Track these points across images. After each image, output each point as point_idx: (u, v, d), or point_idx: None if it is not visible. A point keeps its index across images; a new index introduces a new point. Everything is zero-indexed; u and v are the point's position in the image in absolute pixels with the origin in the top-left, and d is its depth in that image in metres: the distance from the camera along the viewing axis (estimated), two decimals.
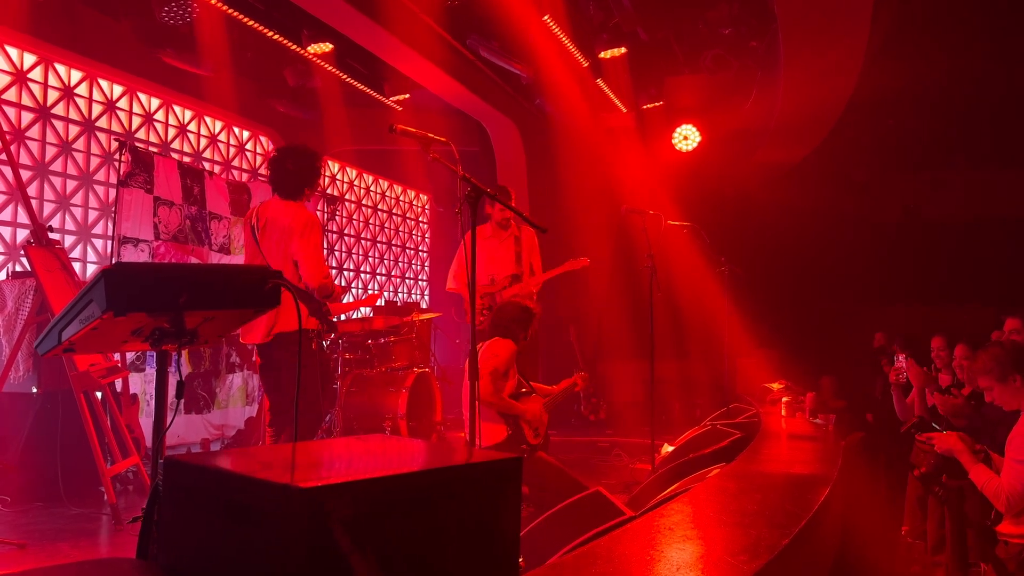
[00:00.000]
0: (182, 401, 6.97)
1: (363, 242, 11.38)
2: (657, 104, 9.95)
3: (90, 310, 1.95)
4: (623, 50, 7.98)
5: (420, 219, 12.90)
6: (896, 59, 8.08)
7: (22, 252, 5.68)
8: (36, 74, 6.73)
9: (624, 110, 9.72)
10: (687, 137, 10.23)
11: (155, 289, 1.98)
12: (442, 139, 3.24)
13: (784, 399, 6.28)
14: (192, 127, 8.48)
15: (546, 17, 7.06)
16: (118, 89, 7.54)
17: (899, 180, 11.85)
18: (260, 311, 2.20)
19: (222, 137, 8.92)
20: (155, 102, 7.97)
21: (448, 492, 1.33)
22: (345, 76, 8.03)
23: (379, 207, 11.83)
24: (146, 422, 6.12)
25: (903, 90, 8.52)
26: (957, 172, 11.44)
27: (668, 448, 5.99)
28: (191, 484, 1.35)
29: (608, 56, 8.07)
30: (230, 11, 6.50)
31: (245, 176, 9.14)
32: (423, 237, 12.88)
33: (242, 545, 1.23)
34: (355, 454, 1.55)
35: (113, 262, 6.46)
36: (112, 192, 7.04)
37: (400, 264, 12.29)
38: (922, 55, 8.18)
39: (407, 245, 12.50)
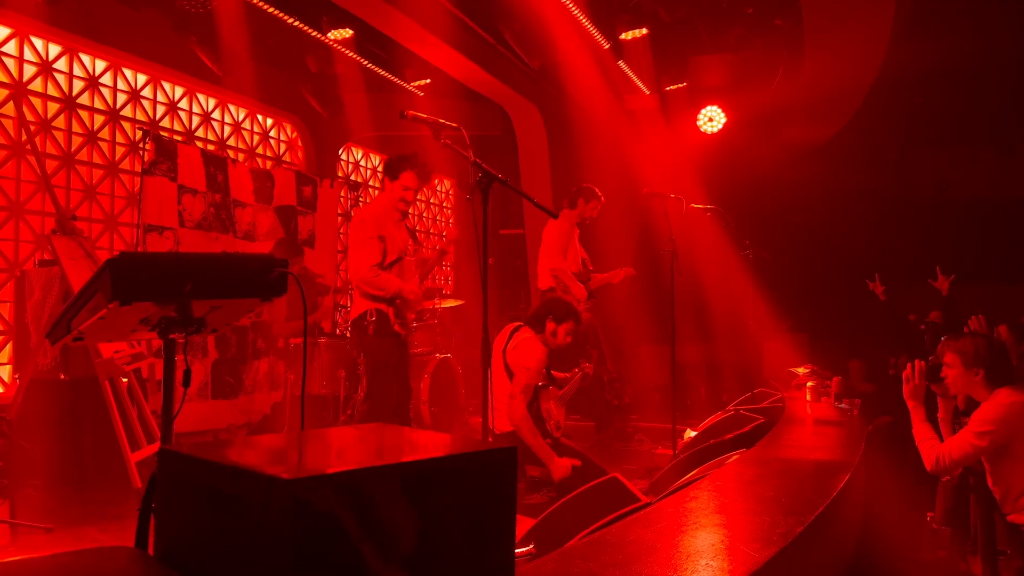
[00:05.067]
0: (209, 387, 6.98)
1: None
2: (680, 85, 9.80)
3: (97, 300, 1.97)
4: (644, 31, 7.87)
5: (444, 204, 12.89)
6: (924, 34, 7.88)
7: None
8: (61, 64, 6.81)
9: (647, 92, 9.58)
10: (712, 119, 10.08)
11: (160, 278, 1.99)
12: (453, 124, 3.22)
13: (809, 383, 6.21)
14: (216, 115, 8.53)
15: None
16: (142, 78, 7.60)
17: (930, 158, 11.56)
18: (266, 299, 2.21)
19: (246, 125, 8.96)
20: (179, 90, 8.03)
21: (437, 482, 1.32)
22: (366, 62, 8.02)
23: None
24: None
25: (932, 66, 8.30)
26: (988, 149, 11.14)
27: (691, 433, 5.95)
28: (184, 474, 1.36)
29: (629, 37, 7.96)
30: None
31: (269, 164, 9.18)
32: (447, 222, 12.87)
33: (231, 536, 1.23)
34: (347, 444, 1.54)
35: (137, 250, 6.54)
36: (138, 181, 7.11)
37: (424, 250, 12.27)
38: (950, 30, 7.97)
39: (430, 231, 12.50)
